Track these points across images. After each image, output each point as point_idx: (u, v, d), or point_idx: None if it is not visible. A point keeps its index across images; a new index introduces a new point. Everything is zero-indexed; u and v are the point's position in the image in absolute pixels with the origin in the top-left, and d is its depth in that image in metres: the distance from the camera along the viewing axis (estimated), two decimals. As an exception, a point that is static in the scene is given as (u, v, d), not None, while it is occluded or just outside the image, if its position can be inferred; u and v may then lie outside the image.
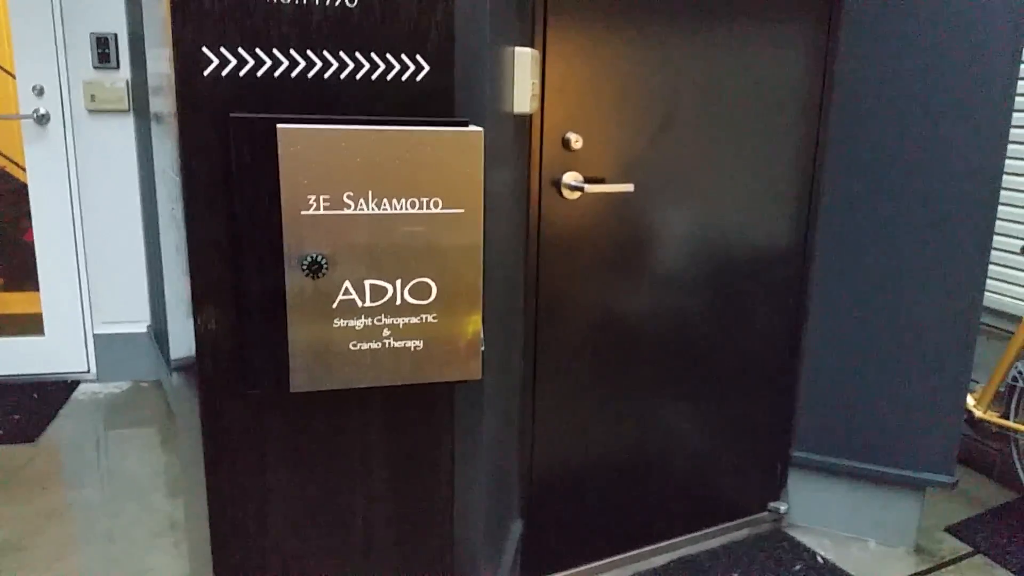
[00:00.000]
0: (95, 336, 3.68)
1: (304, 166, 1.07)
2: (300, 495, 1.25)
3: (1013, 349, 2.69)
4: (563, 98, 2.02)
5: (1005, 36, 2.19)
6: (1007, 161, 2.78)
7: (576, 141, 2.05)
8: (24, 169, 3.51)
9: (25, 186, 3.52)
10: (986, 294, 2.45)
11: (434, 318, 1.17)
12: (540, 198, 2.05)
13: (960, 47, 2.23)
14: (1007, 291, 2.99)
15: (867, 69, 2.34)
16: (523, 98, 1.82)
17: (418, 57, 1.16)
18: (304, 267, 1.09)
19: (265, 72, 1.10)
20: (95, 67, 3.45)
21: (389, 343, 1.16)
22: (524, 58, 1.80)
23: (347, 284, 1.12)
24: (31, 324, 3.66)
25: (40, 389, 3.59)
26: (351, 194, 1.09)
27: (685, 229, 2.29)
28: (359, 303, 1.13)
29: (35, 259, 3.58)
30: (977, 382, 2.95)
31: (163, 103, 1.27)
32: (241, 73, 1.09)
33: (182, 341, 1.32)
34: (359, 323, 1.14)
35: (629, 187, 2.12)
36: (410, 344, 1.17)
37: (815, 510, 2.68)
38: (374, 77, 1.14)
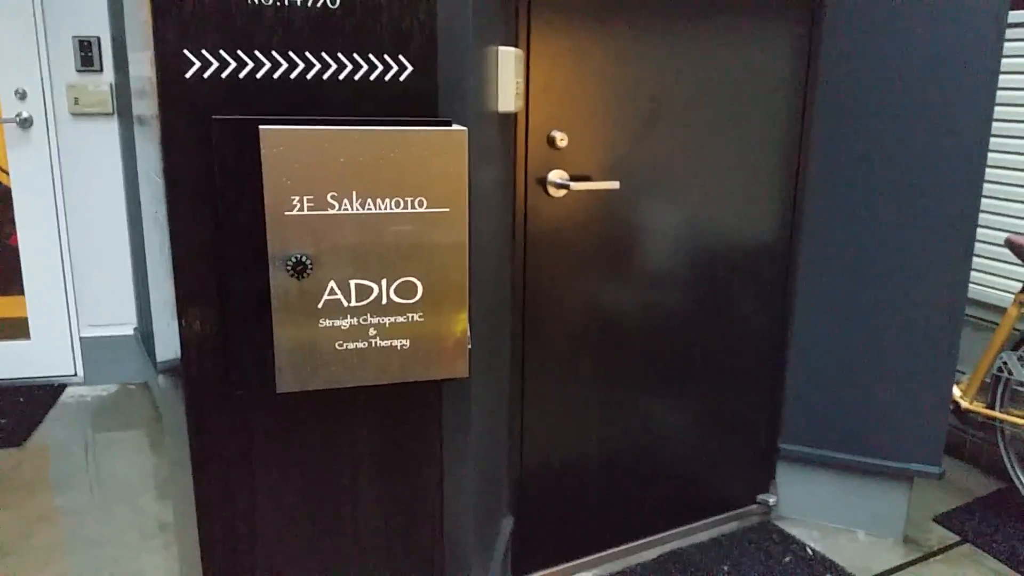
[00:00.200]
0: (81, 339, 3.67)
1: (287, 167, 1.07)
2: (289, 495, 1.25)
3: (998, 340, 2.72)
4: (548, 97, 2.02)
5: (986, 29, 2.20)
6: (990, 153, 2.81)
7: (561, 139, 2.05)
8: (7, 173, 3.49)
9: (9, 190, 3.50)
10: (971, 285, 2.46)
11: (420, 317, 1.18)
12: (526, 196, 2.05)
13: (942, 41, 2.25)
14: (991, 282, 3.02)
15: (850, 64, 2.35)
16: (507, 97, 1.82)
17: (401, 57, 1.16)
18: (289, 268, 1.09)
19: (247, 74, 1.09)
20: (78, 70, 3.43)
21: (375, 342, 1.16)
22: (508, 57, 1.80)
23: (332, 284, 1.12)
24: (17, 328, 3.64)
25: (27, 393, 3.57)
26: (335, 194, 1.10)
27: (671, 225, 2.30)
28: (345, 303, 1.13)
29: (20, 263, 3.56)
30: (963, 373, 2.98)
31: (146, 106, 1.27)
32: (224, 75, 1.08)
33: (168, 343, 1.32)
34: (345, 323, 1.14)
35: (615, 184, 2.13)
36: (397, 343, 1.17)
37: (804, 502, 2.69)
38: (357, 78, 1.14)
